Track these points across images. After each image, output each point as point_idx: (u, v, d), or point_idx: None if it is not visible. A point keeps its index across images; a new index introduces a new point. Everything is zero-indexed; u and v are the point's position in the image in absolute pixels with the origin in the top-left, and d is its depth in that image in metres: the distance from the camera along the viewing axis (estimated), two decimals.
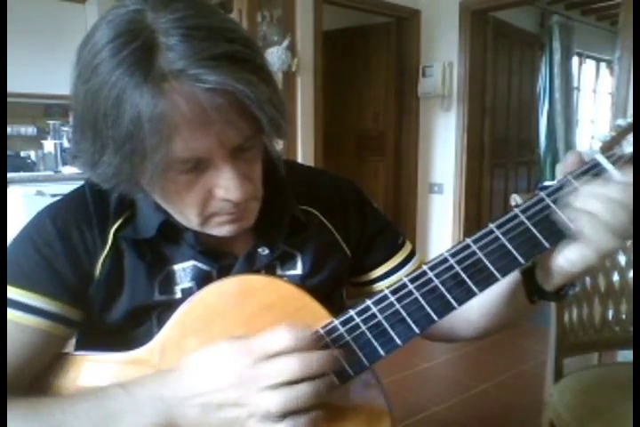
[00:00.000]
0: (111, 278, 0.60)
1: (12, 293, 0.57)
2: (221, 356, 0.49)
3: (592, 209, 0.47)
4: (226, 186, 0.52)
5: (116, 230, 0.60)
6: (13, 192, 2.47)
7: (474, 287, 0.51)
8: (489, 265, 0.51)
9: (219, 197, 0.53)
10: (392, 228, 0.76)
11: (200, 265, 0.62)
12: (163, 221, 0.60)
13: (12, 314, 0.56)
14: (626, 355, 1.79)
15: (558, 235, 0.50)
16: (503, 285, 0.53)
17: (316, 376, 0.48)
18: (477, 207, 3.64)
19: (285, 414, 0.47)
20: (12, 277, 0.58)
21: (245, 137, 0.51)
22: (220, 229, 0.58)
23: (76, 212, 0.61)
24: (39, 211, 0.62)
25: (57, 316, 0.58)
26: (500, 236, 0.51)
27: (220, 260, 0.63)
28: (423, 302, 0.52)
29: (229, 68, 0.46)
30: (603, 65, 5.99)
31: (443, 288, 0.51)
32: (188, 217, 0.57)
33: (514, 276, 0.53)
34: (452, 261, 0.51)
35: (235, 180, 0.52)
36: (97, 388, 0.52)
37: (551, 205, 0.50)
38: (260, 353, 0.48)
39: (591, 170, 0.50)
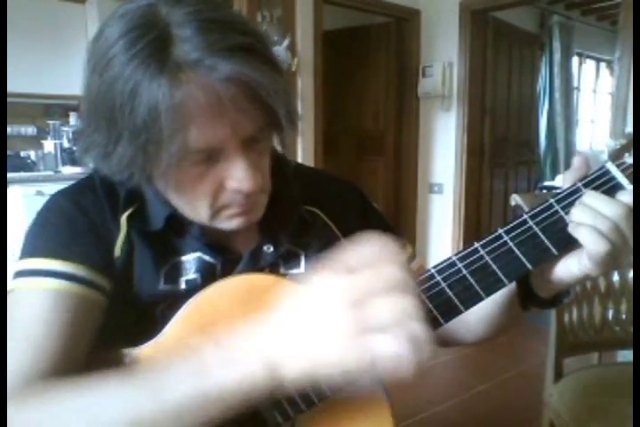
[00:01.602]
0: (124, 267, 0.60)
1: (50, 263, 0.56)
2: (324, 302, 0.41)
3: (586, 221, 0.48)
4: (238, 177, 0.52)
5: (128, 218, 0.60)
6: (13, 192, 2.46)
7: (481, 292, 0.51)
8: (497, 270, 0.51)
9: (230, 189, 0.54)
10: (393, 231, 0.76)
11: (205, 257, 0.62)
12: (169, 214, 0.60)
13: (57, 283, 0.55)
14: (626, 355, 1.79)
15: (566, 242, 0.50)
16: (501, 290, 0.54)
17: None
18: (477, 207, 3.64)
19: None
20: (41, 250, 0.57)
21: (259, 127, 0.52)
22: (229, 222, 0.58)
23: (86, 195, 0.61)
24: (50, 196, 0.62)
25: (93, 283, 0.57)
26: (509, 241, 0.51)
27: (224, 254, 0.63)
28: (430, 304, 0.52)
29: (245, 58, 0.47)
30: (603, 65, 5.99)
31: (450, 292, 0.52)
32: (197, 210, 0.57)
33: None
34: (460, 264, 0.52)
35: (247, 170, 0.52)
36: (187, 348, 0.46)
37: (560, 211, 0.50)
38: (364, 291, 0.40)
39: (601, 178, 0.50)
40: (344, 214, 0.71)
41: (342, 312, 0.39)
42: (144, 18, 0.48)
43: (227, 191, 0.54)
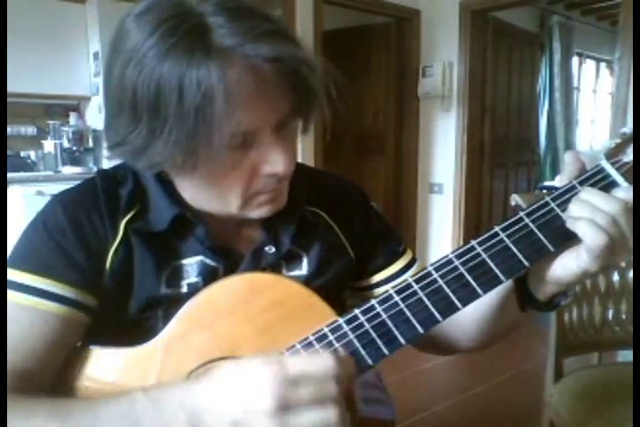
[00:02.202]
0: (121, 271, 0.60)
1: (28, 279, 0.57)
2: (255, 374, 0.46)
3: (585, 215, 0.48)
4: (277, 160, 0.54)
5: (128, 222, 0.60)
6: (13, 192, 2.46)
7: (478, 289, 0.52)
8: (494, 267, 0.51)
9: (266, 173, 0.55)
10: (395, 234, 0.76)
11: (207, 261, 0.62)
12: (176, 214, 0.60)
13: (28, 299, 0.56)
14: (626, 355, 1.79)
15: (562, 238, 0.51)
16: (495, 291, 0.54)
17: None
18: (477, 207, 3.64)
19: None
20: (26, 263, 0.58)
21: (291, 111, 0.53)
22: (259, 210, 0.59)
23: (86, 202, 0.61)
24: (51, 198, 0.63)
25: (73, 301, 0.58)
26: (505, 238, 0.51)
27: (227, 257, 0.63)
28: (428, 302, 0.52)
29: (282, 40, 0.49)
30: (603, 65, 5.99)
31: (447, 289, 0.52)
32: (228, 200, 0.58)
33: (506, 283, 0.53)
34: (457, 262, 0.52)
35: (283, 153, 0.54)
36: (121, 392, 0.50)
37: (555, 209, 0.51)
38: (296, 375, 0.45)
39: (596, 175, 0.51)
40: (347, 216, 0.71)
41: (271, 387, 0.44)
42: (174, 9, 0.49)
43: (261, 177, 0.56)
